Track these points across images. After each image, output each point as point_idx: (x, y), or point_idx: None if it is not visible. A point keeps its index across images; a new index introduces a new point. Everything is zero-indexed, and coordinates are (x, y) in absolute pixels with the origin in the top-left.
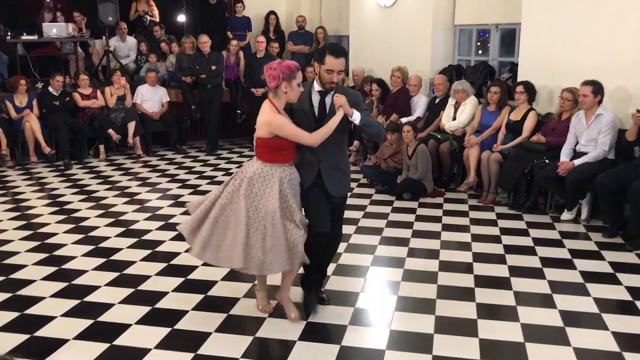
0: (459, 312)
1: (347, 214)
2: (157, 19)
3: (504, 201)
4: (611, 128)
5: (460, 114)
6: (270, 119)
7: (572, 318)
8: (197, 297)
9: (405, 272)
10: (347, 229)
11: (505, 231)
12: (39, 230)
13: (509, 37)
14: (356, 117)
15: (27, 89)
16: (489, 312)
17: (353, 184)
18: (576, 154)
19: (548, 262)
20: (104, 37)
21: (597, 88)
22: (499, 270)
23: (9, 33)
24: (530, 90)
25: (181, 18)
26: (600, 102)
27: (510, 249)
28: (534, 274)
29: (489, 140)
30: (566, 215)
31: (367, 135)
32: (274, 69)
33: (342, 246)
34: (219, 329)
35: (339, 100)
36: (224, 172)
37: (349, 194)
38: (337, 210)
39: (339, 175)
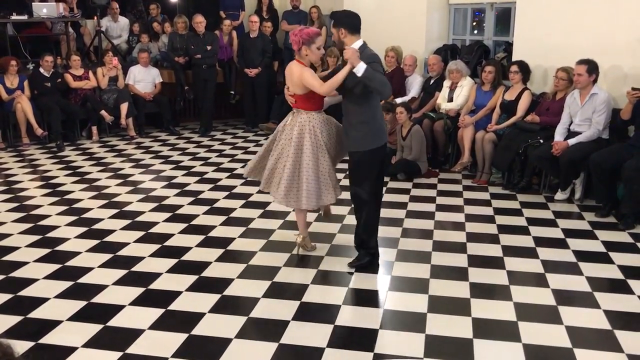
0: (452, 292)
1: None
2: None
3: (498, 181)
4: (606, 107)
5: (457, 96)
6: (301, 71)
7: (565, 297)
8: (191, 278)
9: (399, 252)
10: (340, 210)
11: (499, 211)
12: (32, 212)
13: (505, 17)
14: (360, 68)
15: (18, 70)
16: (482, 291)
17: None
18: (570, 134)
19: (541, 241)
20: (95, 17)
21: (591, 67)
22: (493, 250)
23: None
24: (524, 69)
25: None
26: (595, 82)
27: (504, 229)
28: (527, 253)
29: (484, 120)
30: (560, 195)
31: (373, 91)
32: (295, 34)
33: (336, 227)
34: (213, 310)
35: (347, 53)
36: (217, 154)
37: (367, 157)
38: (350, 170)
39: (353, 133)
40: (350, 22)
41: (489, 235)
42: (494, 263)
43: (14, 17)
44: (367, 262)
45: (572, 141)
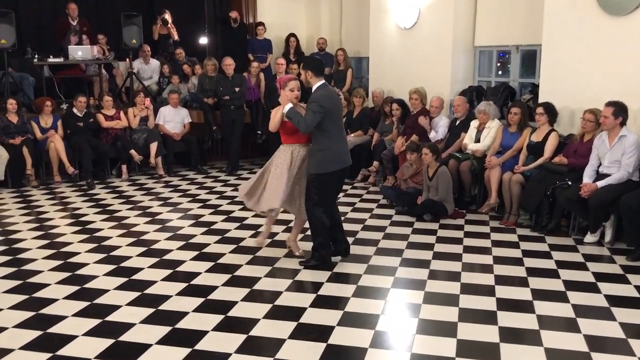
0: (480, 336)
1: (367, 234)
2: (177, 38)
3: (526, 223)
4: (635, 150)
5: (484, 137)
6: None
7: (597, 343)
8: (217, 318)
9: (426, 294)
10: (367, 250)
11: (528, 253)
12: (61, 250)
13: (530, 58)
14: (285, 108)
15: (52, 110)
16: (512, 335)
17: (373, 205)
18: (599, 176)
19: (571, 285)
20: (127, 59)
21: (618, 110)
22: (522, 293)
23: (36, 56)
24: (550, 111)
25: (203, 40)
26: (623, 124)
27: (533, 272)
28: (557, 297)
29: (510, 162)
30: (589, 237)
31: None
32: (278, 81)
33: (362, 267)
34: (239, 350)
35: (281, 96)
36: None
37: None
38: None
39: (310, 159)
40: (315, 66)
41: (518, 278)
42: (523, 307)
43: (51, 59)
44: (313, 264)
45: (601, 183)
